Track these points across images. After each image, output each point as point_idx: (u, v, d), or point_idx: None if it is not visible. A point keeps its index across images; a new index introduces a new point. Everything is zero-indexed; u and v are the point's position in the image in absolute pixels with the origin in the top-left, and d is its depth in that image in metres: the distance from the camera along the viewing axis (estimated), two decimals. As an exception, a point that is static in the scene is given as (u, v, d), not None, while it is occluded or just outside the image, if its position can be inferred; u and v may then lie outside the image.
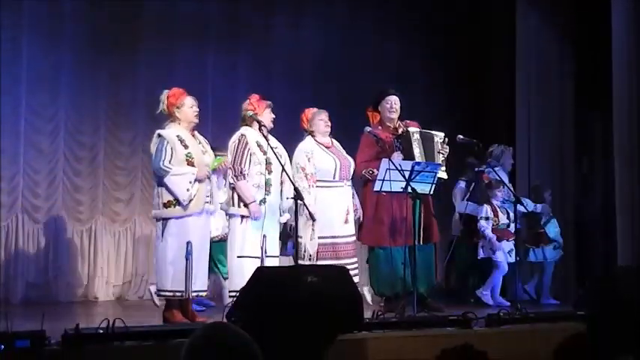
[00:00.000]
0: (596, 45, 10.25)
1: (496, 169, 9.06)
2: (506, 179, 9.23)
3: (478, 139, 8.39)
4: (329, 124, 7.93)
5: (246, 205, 7.28)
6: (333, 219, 7.74)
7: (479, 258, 9.15)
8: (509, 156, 9.57)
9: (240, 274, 7.14)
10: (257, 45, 10.58)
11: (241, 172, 7.29)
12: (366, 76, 10.61)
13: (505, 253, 9.05)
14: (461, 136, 8.30)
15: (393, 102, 8.21)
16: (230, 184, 7.37)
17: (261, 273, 5.41)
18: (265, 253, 7.27)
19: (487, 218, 9.06)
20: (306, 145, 7.84)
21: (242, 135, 7.38)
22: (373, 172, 7.84)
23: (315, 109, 7.98)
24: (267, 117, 7.48)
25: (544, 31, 10.71)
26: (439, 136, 8.16)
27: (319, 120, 7.90)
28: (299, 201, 6.83)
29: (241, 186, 7.28)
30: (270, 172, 7.34)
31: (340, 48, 10.85)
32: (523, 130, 10.60)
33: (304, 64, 10.75)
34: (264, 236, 7.28)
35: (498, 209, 9.15)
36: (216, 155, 7.47)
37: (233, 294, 7.03)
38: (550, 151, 10.33)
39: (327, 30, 10.84)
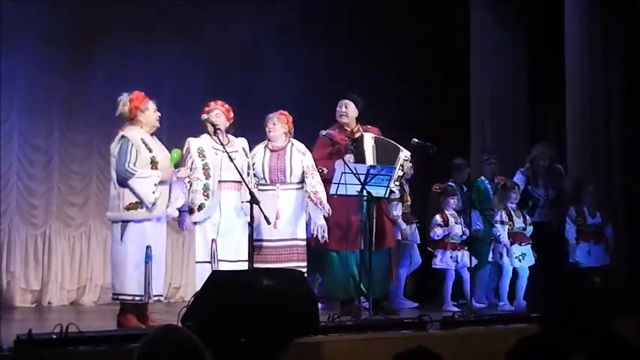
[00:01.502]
0: (548, 44, 10.45)
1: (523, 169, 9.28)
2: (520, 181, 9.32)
3: (433, 142, 8.32)
4: (272, 128, 7.83)
5: (191, 212, 7.35)
6: (261, 222, 7.34)
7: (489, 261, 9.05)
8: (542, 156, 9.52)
9: (192, 279, 7.33)
10: (217, 47, 10.47)
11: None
12: (322, 80, 10.64)
13: (512, 258, 9.01)
14: (415, 140, 8.27)
15: (344, 105, 8.22)
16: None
17: (216, 276, 5.27)
18: (217, 257, 7.26)
19: (502, 222, 8.95)
20: (254, 149, 7.88)
21: (188, 142, 7.50)
22: (323, 171, 7.88)
23: (270, 115, 7.95)
24: (217, 119, 7.49)
25: (498, 32, 10.91)
26: (404, 152, 8.16)
27: (265, 125, 7.91)
28: (254, 204, 6.80)
29: None
30: (207, 177, 7.36)
31: (299, 53, 10.77)
32: (478, 129, 10.80)
33: (263, 69, 10.64)
34: (214, 240, 7.30)
35: (513, 212, 9.07)
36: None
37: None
38: (505, 152, 10.42)
39: (286, 35, 10.70)
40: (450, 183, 9.52)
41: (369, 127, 8.30)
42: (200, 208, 7.33)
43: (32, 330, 5.48)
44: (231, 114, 7.62)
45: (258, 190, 7.65)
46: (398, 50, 11.26)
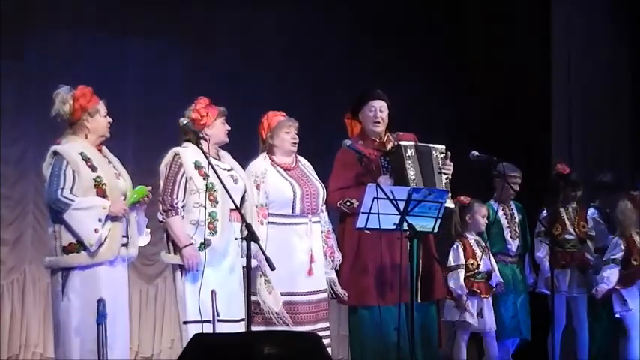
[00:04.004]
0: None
1: None
2: None
3: (496, 154, 7.33)
4: (296, 140, 6.53)
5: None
6: (292, 269, 6.33)
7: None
8: None
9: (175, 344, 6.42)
10: (200, 32, 9.40)
11: (172, 206, 6.06)
12: (345, 76, 9.59)
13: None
14: (476, 153, 7.05)
15: (378, 109, 6.79)
16: (160, 222, 6.15)
17: (200, 342, 4.66)
18: (217, 315, 6.05)
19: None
20: (257, 166, 6.48)
21: (175, 155, 6.16)
22: (352, 205, 6.60)
23: (282, 117, 6.53)
24: (219, 129, 6.25)
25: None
26: (438, 149, 6.80)
27: (285, 134, 6.47)
28: (253, 243, 5.51)
29: (172, 224, 6.02)
30: (215, 204, 6.08)
31: (314, 40, 9.80)
32: (561, 135, 9.78)
33: (266, 59, 9.63)
34: (213, 292, 6.01)
35: None
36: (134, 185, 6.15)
37: None
38: (598, 160, 9.57)
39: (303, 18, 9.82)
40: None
41: (400, 134, 6.96)
42: (203, 246, 6.04)
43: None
44: None
45: (283, 225, 6.45)
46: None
